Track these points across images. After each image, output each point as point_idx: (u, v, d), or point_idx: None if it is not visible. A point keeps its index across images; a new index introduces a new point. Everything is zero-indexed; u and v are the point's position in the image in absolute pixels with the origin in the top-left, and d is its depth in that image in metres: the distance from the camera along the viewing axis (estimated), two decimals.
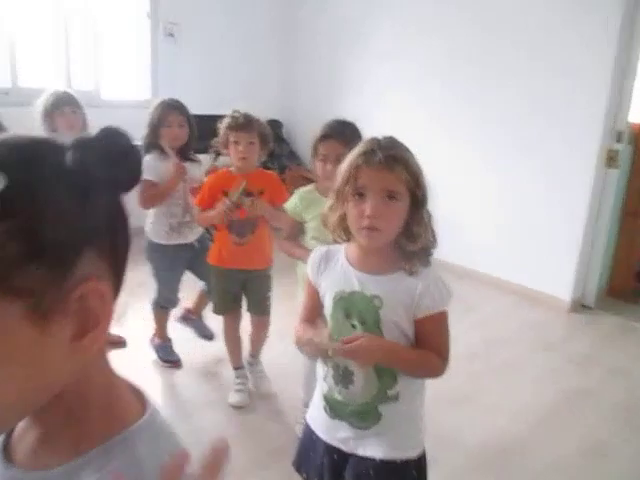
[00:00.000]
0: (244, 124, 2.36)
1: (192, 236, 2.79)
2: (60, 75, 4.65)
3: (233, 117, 2.39)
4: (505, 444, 2.44)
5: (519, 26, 3.94)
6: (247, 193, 2.35)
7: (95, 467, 0.53)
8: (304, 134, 5.55)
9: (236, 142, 2.38)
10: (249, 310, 2.63)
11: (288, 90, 5.78)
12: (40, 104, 2.68)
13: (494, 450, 2.40)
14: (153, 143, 2.66)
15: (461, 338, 3.36)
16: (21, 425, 0.59)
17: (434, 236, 1.31)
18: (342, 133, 1.99)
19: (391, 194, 1.24)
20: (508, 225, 4.21)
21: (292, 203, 2.18)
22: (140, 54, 5.06)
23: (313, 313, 1.43)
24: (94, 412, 0.56)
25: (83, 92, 4.61)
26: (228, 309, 2.61)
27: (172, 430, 0.61)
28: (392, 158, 1.22)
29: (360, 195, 1.25)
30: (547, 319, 3.80)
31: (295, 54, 5.74)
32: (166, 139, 2.65)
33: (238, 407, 2.56)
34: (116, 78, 4.93)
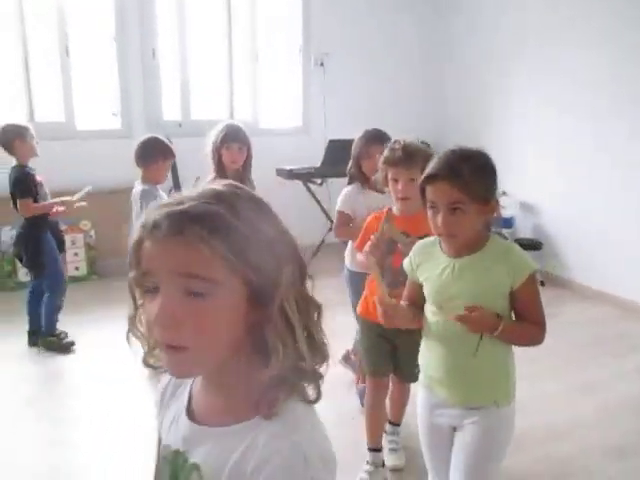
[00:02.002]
0: (402, 158, 1.99)
1: None
2: (224, 107, 5.11)
3: (391, 149, 2.04)
4: None
5: None
6: (404, 236, 1.96)
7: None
8: None
9: (395, 179, 2.03)
10: (395, 373, 2.23)
11: (436, 111, 5.75)
12: (212, 136, 2.72)
13: None
14: (355, 174, 2.59)
15: (626, 383, 3.06)
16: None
17: (317, 349, 0.74)
18: (456, 171, 1.42)
19: (193, 285, 0.66)
20: None
21: (408, 258, 1.68)
22: (293, 84, 5.39)
23: None
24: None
25: (244, 122, 5.04)
26: (373, 370, 2.22)
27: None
28: (185, 219, 0.66)
29: (153, 289, 0.69)
30: None
31: (443, 76, 5.71)
32: (368, 171, 2.52)
33: None
34: (272, 108, 5.29)
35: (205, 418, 0.77)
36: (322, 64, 5.29)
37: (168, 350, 0.68)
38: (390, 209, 2.01)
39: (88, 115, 4.67)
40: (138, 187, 2.98)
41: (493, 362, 1.53)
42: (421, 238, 1.75)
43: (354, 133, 3.72)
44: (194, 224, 0.65)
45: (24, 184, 3.17)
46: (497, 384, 1.54)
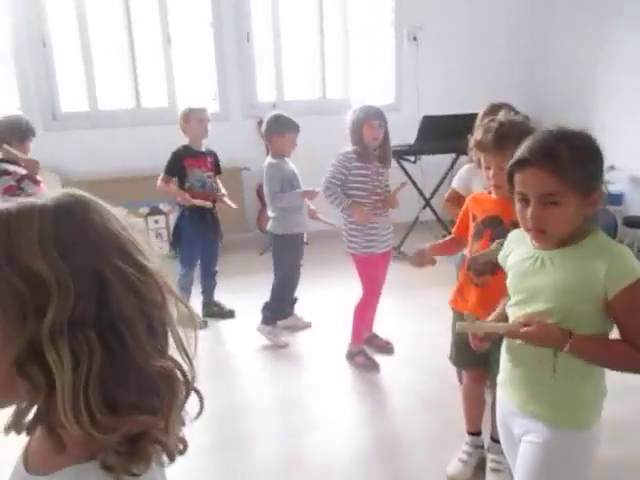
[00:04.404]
0: (493, 144, 1.75)
1: None
2: (316, 86, 5.15)
3: (485, 130, 1.81)
4: None
5: None
6: (496, 221, 1.85)
7: None
8: None
9: (487, 167, 1.85)
10: (487, 374, 2.01)
11: (537, 86, 5.44)
12: (351, 115, 2.88)
13: None
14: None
15: None
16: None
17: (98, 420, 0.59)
18: (552, 154, 1.20)
19: None
20: None
21: (502, 250, 1.52)
22: (385, 59, 5.31)
23: None
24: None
25: (336, 100, 5.06)
26: (462, 363, 2.14)
27: None
28: None
29: None
30: None
31: (546, 48, 5.38)
32: None
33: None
34: (363, 84, 5.25)
35: (28, 454, 0.69)
36: (415, 38, 5.17)
37: None
38: (489, 193, 1.92)
39: (188, 100, 4.89)
40: (266, 160, 3.21)
41: (568, 379, 1.31)
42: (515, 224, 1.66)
43: (448, 109, 3.62)
44: None
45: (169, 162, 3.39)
46: (568, 404, 1.33)
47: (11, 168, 2.99)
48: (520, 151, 1.25)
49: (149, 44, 4.74)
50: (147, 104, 4.78)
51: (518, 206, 1.28)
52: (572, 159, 1.20)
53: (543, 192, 1.21)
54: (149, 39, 4.74)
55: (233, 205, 3.52)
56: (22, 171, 3.02)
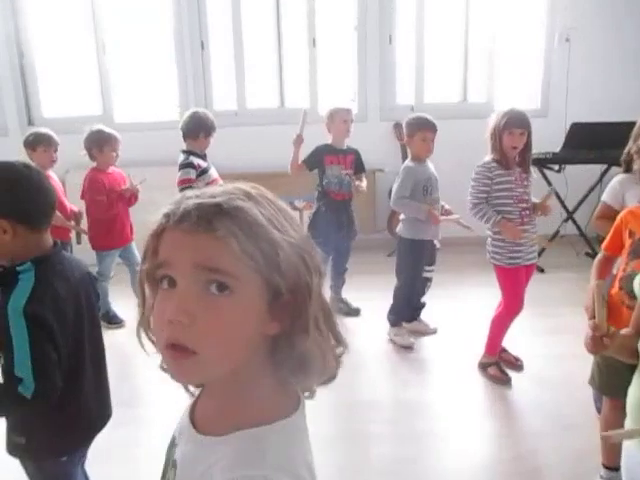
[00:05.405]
0: None
1: None
2: (457, 89, 5.05)
3: None
4: None
5: None
6: None
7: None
8: None
9: None
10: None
11: None
12: (494, 119, 2.73)
13: None
14: (629, 162, 2.23)
15: None
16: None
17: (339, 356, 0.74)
18: None
19: (214, 280, 0.63)
20: None
21: None
22: (533, 60, 5.06)
23: None
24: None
25: (477, 104, 4.93)
26: (605, 389, 1.98)
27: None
28: (217, 212, 0.63)
29: (169, 281, 0.65)
30: None
31: None
32: None
33: None
34: (508, 87, 5.05)
35: (197, 418, 0.74)
36: (567, 39, 4.86)
37: (172, 352, 0.63)
38: None
39: (329, 101, 5.03)
40: (404, 163, 3.25)
41: None
42: None
43: (599, 117, 3.37)
44: (225, 218, 0.62)
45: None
46: None
47: (196, 162, 3.30)
48: None
49: (295, 47, 4.95)
50: (290, 104, 5.00)
51: None
52: None
53: None
54: (296, 42, 4.95)
55: (359, 190, 3.58)
56: (204, 164, 3.34)
